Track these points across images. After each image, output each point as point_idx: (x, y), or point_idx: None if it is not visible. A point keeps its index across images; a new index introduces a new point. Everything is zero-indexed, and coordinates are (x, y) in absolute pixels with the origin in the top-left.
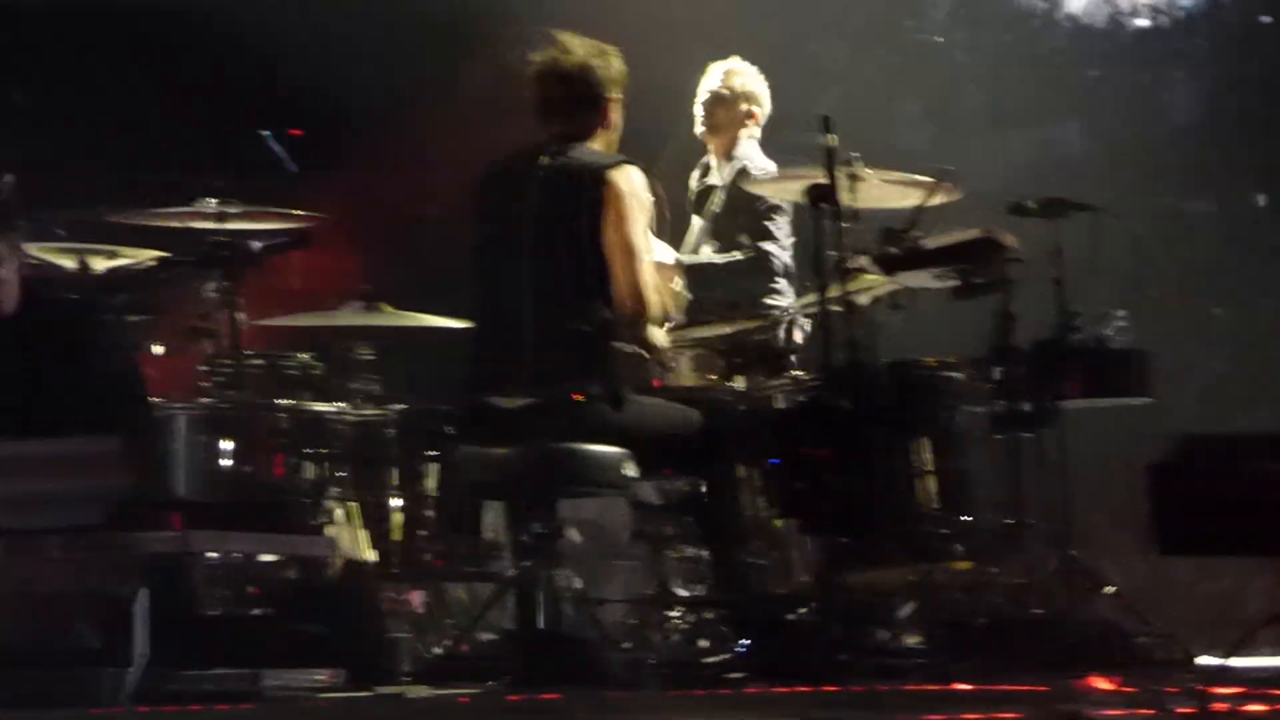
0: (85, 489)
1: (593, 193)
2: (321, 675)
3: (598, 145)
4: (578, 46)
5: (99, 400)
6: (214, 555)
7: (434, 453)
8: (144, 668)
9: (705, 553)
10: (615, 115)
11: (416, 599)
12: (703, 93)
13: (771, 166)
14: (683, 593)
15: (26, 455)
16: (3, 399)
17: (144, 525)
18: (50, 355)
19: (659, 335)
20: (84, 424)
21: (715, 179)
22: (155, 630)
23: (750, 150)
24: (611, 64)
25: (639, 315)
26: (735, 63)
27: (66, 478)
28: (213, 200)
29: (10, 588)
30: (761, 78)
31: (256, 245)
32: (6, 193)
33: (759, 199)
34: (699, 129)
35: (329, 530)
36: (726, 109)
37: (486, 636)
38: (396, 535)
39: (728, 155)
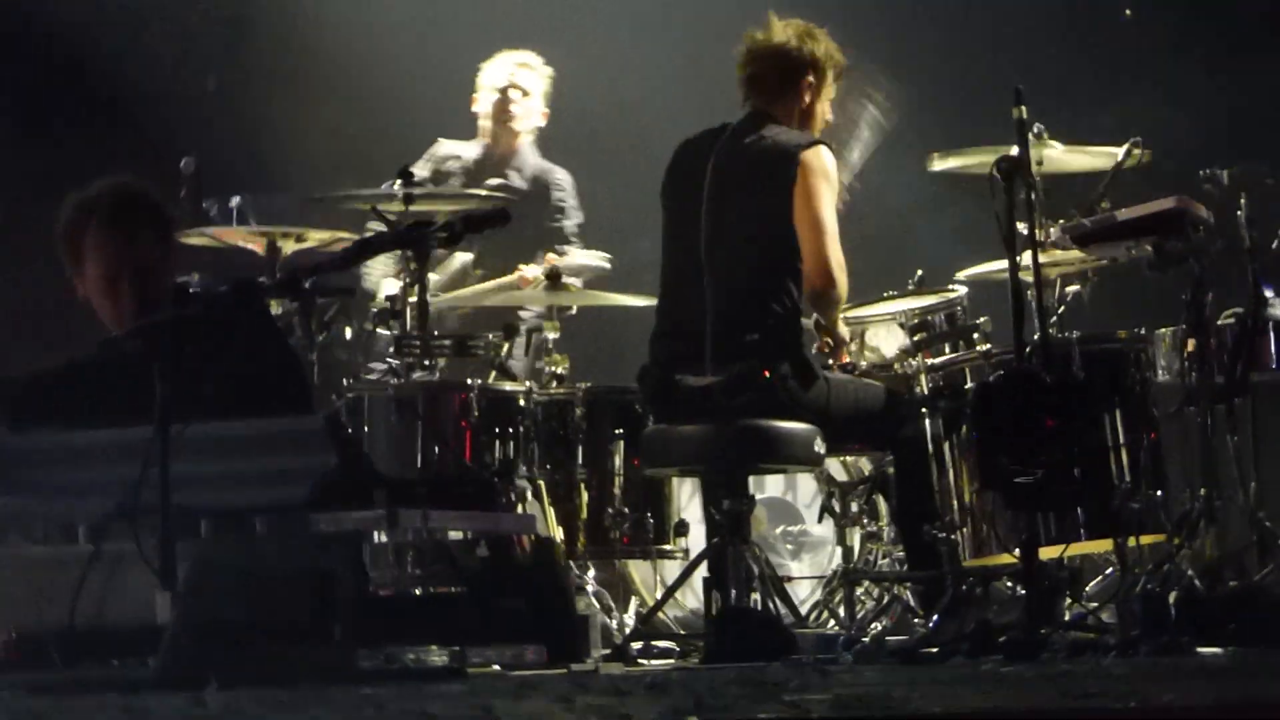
0: (288, 468)
1: (786, 171)
2: (522, 652)
3: (794, 125)
4: (781, 27)
5: (281, 382)
6: (415, 532)
7: (621, 431)
8: (349, 645)
9: (895, 529)
10: (812, 96)
11: (606, 576)
12: (504, 84)
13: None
14: (872, 568)
15: (229, 435)
16: (196, 381)
17: (349, 503)
18: (237, 337)
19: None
20: (266, 406)
21: (516, 181)
22: (357, 607)
23: (533, 152)
24: (817, 46)
25: (828, 292)
26: (532, 57)
27: (269, 456)
28: (398, 182)
29: (214, 568)
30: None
31: (450, 224)
32: (189, 174)
33: (558, 202)
34: (487, 122)
35: (519, 509)
36: (526, 106)
37: (675, 614)
38: (585, 513)
39: (509, 153)
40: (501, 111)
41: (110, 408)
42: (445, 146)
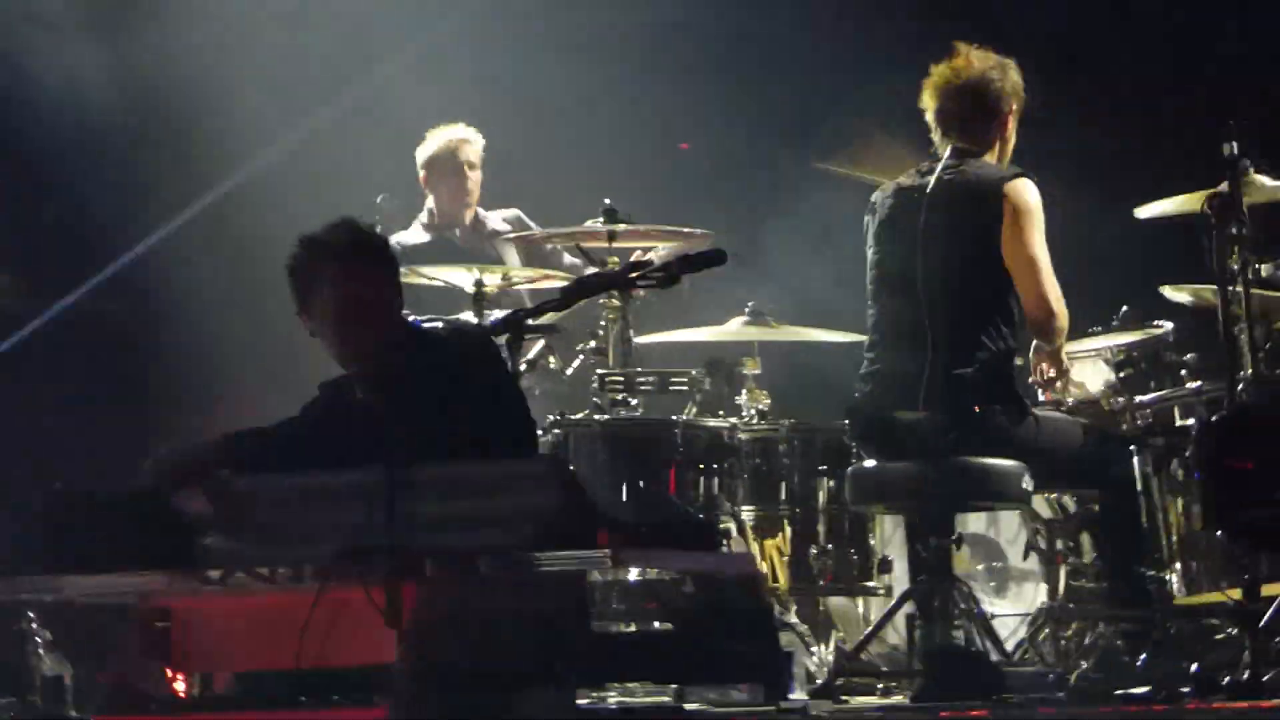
0: (513, 508)
1: (992, 207)
2: (738, 692)
3: (992, 158)
4: (977, 59)
5: (511, 424)
6: (637, 573)
7: (825, 467)
8: (572, 685)
9: (1101, 566)
10: (1012, 128)
11: (807, 612)
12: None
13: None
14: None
15: (455, 476)
16: (426, 422)
17: (573, 543)
18: (470, 378)
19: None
20: (494, 447)
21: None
22: (580, 648)
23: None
24: (1009, 76)
25: (1050, 324)
26: (468, 131)
27: (495, 497)
28: (600, 220)
29: (441, 609)
30: None
31: (668, 264)
32: (386, 210)
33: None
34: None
35: (725, 546)
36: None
37: (877, 650)
38: (789, 550)
39: (468, 215)
40: (461, 194)
41: (337, 450)
42: (398, 236)
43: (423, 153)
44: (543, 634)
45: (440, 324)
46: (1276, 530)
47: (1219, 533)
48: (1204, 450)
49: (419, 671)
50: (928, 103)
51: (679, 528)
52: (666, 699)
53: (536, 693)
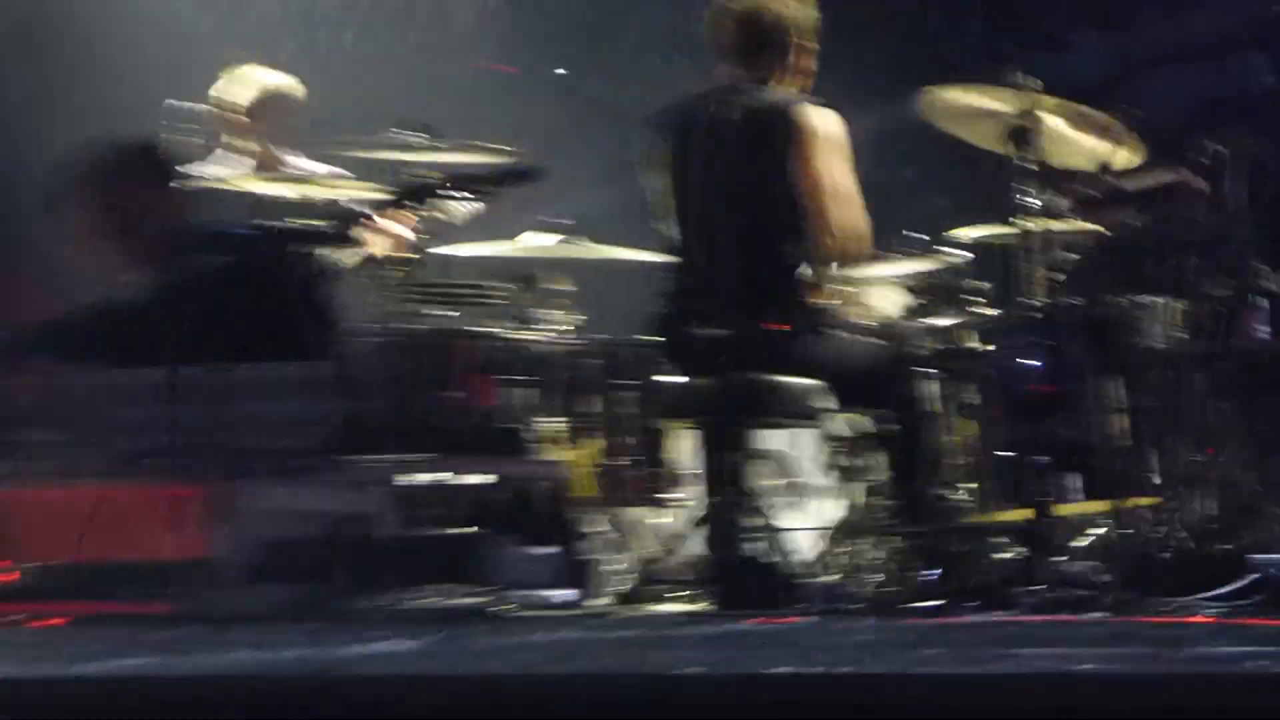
0: (304, 412)
1: (782, 130)
2: (551, 595)
3: (786, 89)
4: None
5: (302, 327)
6: (434, 478)
7: (632, 382)
8: (384, 586)
9: (895, 484)
10: (804, 60)
11: (608, 523)
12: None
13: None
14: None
15: (246, 379)
16: (210, 326)
17: (369, 449)
18: (257, 282)
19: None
20: (287, 350)
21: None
22: (388, 550)
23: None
24: (799, 9)
25: (853, 254)
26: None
27: (287, 401)
28: (404, 131)
29: (234, 509)
30: None
31: (484, 177)
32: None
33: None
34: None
35: (533, 457)
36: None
37: (675, 562)
38: (593, 461)
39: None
40: (285, 145)
41: (133, 349)
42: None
43: (243, 95)
44: (354, 534)
45: (241, 227)
46: (1068, 451)
47: (1012, 454)
48: (999, 373)
49: (228, 568)
50: (717, 33)
51: (483, 433)
52: (481, 601)
53: (351, 591)
